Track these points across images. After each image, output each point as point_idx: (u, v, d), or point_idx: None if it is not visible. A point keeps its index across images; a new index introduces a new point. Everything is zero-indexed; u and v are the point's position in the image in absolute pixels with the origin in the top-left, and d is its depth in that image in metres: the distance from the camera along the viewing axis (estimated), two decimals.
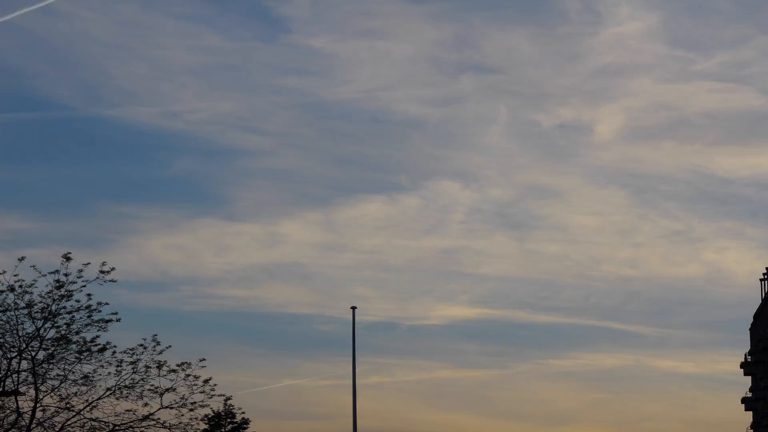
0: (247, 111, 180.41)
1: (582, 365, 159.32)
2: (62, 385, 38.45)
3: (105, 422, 38.84)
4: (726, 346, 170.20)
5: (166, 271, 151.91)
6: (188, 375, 39.59)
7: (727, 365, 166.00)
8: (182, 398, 39.51)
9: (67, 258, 37.53)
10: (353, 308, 51.85)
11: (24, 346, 37.78)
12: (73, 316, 37.91)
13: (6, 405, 38.36)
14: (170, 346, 39.50)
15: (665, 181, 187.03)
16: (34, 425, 37.98)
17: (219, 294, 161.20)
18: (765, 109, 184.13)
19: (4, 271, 37.22)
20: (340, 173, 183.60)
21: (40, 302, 37.54)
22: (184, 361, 39.65)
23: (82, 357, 38.39)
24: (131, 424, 39.12)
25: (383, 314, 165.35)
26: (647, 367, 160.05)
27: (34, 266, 37.35)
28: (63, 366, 38.32)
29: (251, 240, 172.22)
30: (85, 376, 38.56)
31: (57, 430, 38.44)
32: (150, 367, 39.22)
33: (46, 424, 38.43)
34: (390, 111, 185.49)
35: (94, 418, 38.73)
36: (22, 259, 37.15)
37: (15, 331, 37.68)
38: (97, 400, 38.73)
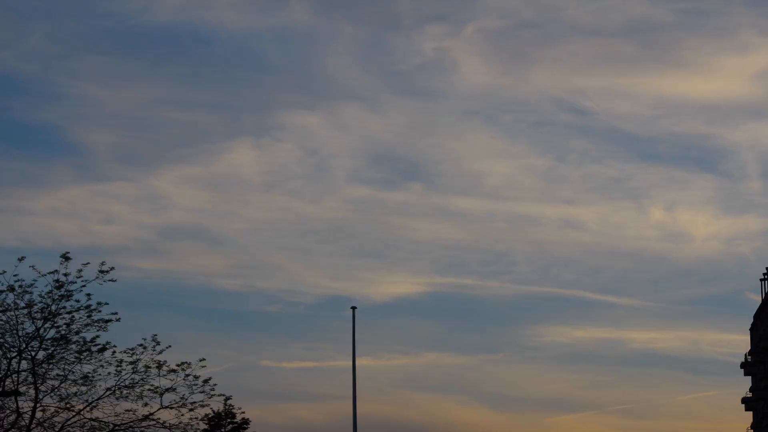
0: (60, 45, 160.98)
1: (558, 343, 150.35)
2: (62, 385, 38.47)
3: (105, 422, 38.85)
4: (702, 318, 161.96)
5: (58, 238, 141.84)
6: (188, 375, 39.59)
7: (712, 338, 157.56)
8: (182, 398, 39.52)
9: (66, 258, 37.56)
10: (353, 308, 51.72)
11: (24, 346, 37.80)
12: (73, 316, 37.94)
13: (6, 405, 38.35)
14: (170, 346, 39.54)
15: (561, 115, 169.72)
16: (33, 425, 37.99)
17: (130, 266, 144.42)
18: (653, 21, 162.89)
19: (4, 271, 37.28)
20: (190, 115, 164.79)
21: (40, 302, 37.59)
22: (184, 360, 39.70)
23: (81, 357, 38.39)
24: (131, 424, 39.13)
25: (321, 291, 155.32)
26: (625, 340, 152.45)
27: (33, 266, 37.42)
28: (63, 366, 38.34)
29: (133, 200, 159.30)
30: (85, 376, 38.57)
31: (57, 430, 38.44)
32: (150, 367, 39.22)
33: (45, 424, 38.44)
34: (218, 33, 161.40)
35: (94, 418, 38.74)
36: (21, 258, 37.21)
37: (15, 331, 37.71)
38: (97, 400, 38.75)
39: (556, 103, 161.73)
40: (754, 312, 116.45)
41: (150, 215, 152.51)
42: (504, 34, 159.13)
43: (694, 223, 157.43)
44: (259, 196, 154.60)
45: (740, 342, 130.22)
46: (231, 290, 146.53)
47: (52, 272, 37.39)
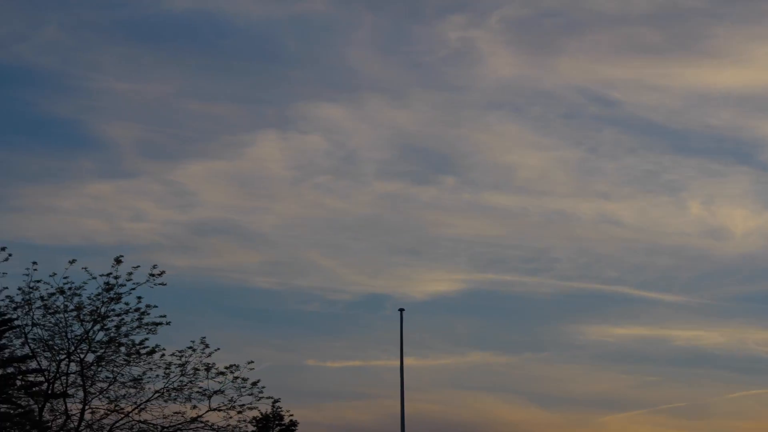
0: (76, 37, 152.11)
1: (602, 341, 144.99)
2: (111, 387, 38.49)
3: (154, 424, 38.81)
4: (747, 315, 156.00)
5: (87, 235, 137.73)
6: (236, 377, 39.43)
7: (757, 336, 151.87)
8: (230, 400, 39.38)
9: (118, 261, 37.52)
10: (401, 310, 51.26)
11: (73, 348, 37.80)
12: (123, 319, 37.85)
13: (55, 407, 38.36)
14: (218, 349, 39.41)
15: (590, 106, 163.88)
16: (82, 427, 37.98)
17: (163, 263, 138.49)
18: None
19: (55, 273, 37.28)
20: (211, 108, 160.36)
21: (89, 305, 37.53)
22: (233, 363, 39.54)
23: (130, 359, 38.32)
24: (180, 426, 39.04)
25: (359, 289, 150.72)
26: (669, 338, 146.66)
27: (85, 268, 37.39)
28: (111, 368, 38.31)
29: (160, 196, 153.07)
30: (134, 379, 38.49)
31: None
32: (198, 370, 39.11)
33: (94, 426, 38.45)
34: (236, 22, 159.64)
35: (142, 420, 38.72)
36: (72, 261, 37.17)
37: (64, 334, 37.75)
38: (146, 402, 38.74)
39: (584, 93, 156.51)
40: None
41: (178, 211, 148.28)
42: (528, 22, 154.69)
43: (733, 217, 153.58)
44: (287, 190, 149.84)
45: None
46: (267, 288, 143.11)
47: (104, 275, 37.41)
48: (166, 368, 38.80)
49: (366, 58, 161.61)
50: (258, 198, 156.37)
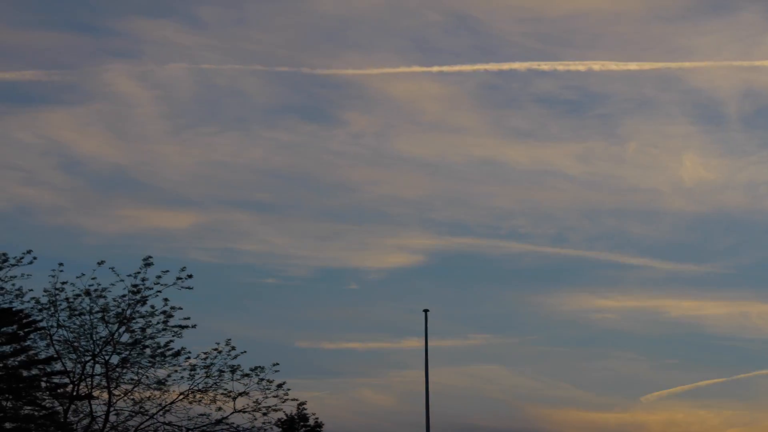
0: None
1: (604, 319, 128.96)
2: (136, 389, 38.45)
3: (178, 426, 38.82)
4: (745, 285, 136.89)
5: None
6: (261, 379, 39.39)
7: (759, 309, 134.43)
8: (255, 402, 39.31)
9: (147, 263, 37.49)
10: (425, 311, 50.98)
11: (98, 350, 37.82)
12: (149, 321, 37.83)
13: (79, 409, 38.40)
14: (245, 351, 39.33)
15: (462, 31, 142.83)
16: (107, 429, 37.98)
17: (85, 227, 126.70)
18: None
19: (83, 274, 37.30)
20: (32, 37, 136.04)
21: (115, 307, 37.51)
22: (258, 365, 39.44)
23: (155, 361, 38.28)
24: (204, 428, 39.00)
25: (311, 262, 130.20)
26: (661, 309, 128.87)
27: (112, 268, 37.38)
28: (137, 370, 38.33)
29: (41, 152, 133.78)
30: (159, 381, 38.44)
31: None
32: (224, 372, 39.07)
33: (119, 428, 38.47)
34: None
35: (167, 422, 38.72)
36: (101, 262, 37.15)
37: (89, 335, 37.76)
38: (171, 404, 38.71)
39: (448, 17, 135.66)
40: None
41: (68, 169, 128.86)
42: None
43: (683, 163, 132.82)
44: (172, 141, 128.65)
45: None
46: (208, 262, 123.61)
47: (132, 275, 37.40)
48: (191, 370, 38.75)
49: None
50: (144, 152, 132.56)
